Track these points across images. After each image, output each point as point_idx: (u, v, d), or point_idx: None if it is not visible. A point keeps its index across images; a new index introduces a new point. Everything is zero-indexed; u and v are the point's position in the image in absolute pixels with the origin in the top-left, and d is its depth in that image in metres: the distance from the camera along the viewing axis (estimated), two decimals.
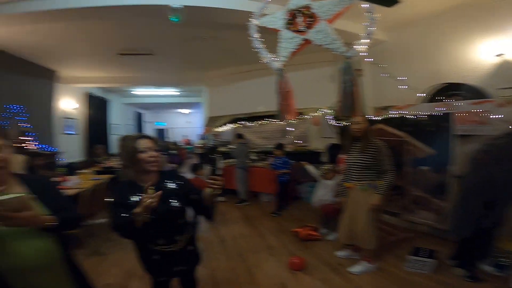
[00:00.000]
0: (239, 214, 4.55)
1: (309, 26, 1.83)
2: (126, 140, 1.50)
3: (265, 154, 5.68)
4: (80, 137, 7.06)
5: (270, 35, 2.14)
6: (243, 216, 4.46)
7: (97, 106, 7.85)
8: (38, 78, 5.25)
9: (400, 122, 3.28)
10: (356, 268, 2.56)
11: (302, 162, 3.64)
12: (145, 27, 3.78)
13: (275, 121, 6.12)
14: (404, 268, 2.54)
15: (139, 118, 13.27)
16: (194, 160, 10.63)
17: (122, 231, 1.37)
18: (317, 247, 3.14)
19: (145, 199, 1.24)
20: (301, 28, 1.86)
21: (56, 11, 2.71)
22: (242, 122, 6.99)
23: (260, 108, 5.94)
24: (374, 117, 3.51)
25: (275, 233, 3.66)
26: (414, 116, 3.14)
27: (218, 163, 5.36)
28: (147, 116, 15.11)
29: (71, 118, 6.59)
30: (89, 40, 4.10)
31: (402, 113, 3.27)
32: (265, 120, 6.18)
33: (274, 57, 2.15)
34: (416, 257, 2.51)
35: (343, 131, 4.29)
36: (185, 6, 2.85)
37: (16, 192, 1.04)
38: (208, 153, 5.84)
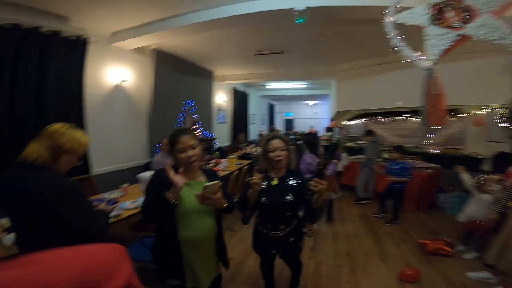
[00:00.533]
0: (358, 213, 4.36)
1: (466, 20, 1.57)
2: (262, 139, 1.90)
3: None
4: (227, 125, 8.62)
5: (408, 31, 1.93)
6: (362, 216, 4.26)
7: (240, 99, 9.30)
8: (202, 77, 6.76)
9: None
10: None
11: (458, 166, 2.99)
12: (275, 29, 4.17)
13: (416, 118, 5.32)
14: None
15: (271, 109, 14.67)
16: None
17: (240, 206, 1.75)
18: (445, 264, 2.78)
19: (252, 179, 1.54)
20: (455, 23, 1.62)
21: (208, 22, 3.41)
22: (374, 118, 6.49)
23: (398, 104, 5.30)
24: None
25: (395, 239, 3.38)
26: None
27: (344, 158, 5.25)
28: (277, 107, 16.47)
29: (222, 110, 8.14)
30: (233, 44, 4.92)
31: None
32: (403, 117, 5.48)
33: (421, 56, 1.92)
34: None
35: None
36: (309, 7, 2.98)
37: (212, 181, 1.38)
38: (333, 147, 5.77)
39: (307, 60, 6.24)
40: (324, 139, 10.04)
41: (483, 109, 4.17)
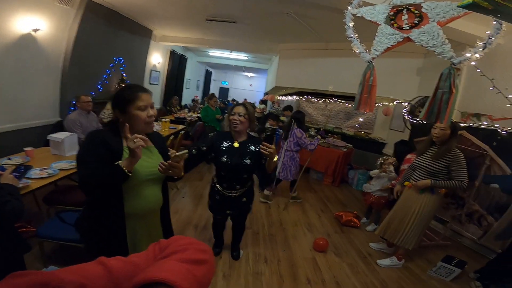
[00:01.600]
0: (287, 184, 4.47)
1: (414, 25, 1.72)
2: (226, 105, 1.98)
3: (325, 132, 5.71)
4: (160, 87, 7.90)
5: (362, 25, 2.07)
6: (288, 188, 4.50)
7: (176, 62, 8.56)
8: (139, 35, 5.97)
9: (488, 134, 2.96)
10: (385, 262, 2.68)
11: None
12: None
13: (340, 102, 5.96)
14: (428, 272, 2.62)
15: (207, 76, 14.02)
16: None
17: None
18: (354, 234, 3.27)
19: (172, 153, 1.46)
20: (405, 26, 1.77)
21: None
22: (306, 97, 6.96)
23: (330, 88, 5.78)
24: (460, 122, 3.18)
25: (316, 211, 3.83)
26: (506, 131, 2.78)
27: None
28: (214, 74, 15.84)
29: (156, 71, 7.36)
30: (182, 5, 4.43)
31: (493, 125, 2.90)
32: (332, 100, 6.05)
33: (367, 50, 2.10)
34: (445, 264, 2.53)
35: (416, 129, 4.00)
36: None
37: (160, 144, 1.40)
38: (264, 118, 5.97)
39: (256, 33, 6.08)
40: (258, 111, 10.34)
41: (393, 102, 4.92)
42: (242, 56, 10.09)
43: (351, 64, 4.92)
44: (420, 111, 3.61)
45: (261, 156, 1.81)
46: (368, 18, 1.98)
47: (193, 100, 9.74)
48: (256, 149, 1.91)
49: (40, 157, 2.51)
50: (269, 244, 2.85)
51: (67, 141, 2.66)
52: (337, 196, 4.56)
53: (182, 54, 8.96)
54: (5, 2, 3.05)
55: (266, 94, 10.57)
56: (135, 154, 1.12)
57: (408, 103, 4.34)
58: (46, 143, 2.78)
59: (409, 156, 3.31)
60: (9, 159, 2.37)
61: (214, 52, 9.84)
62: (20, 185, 1.68)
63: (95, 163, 1.14)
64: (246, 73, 15.89)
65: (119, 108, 1.23)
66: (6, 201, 1.04)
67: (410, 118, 4.03)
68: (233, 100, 14.29)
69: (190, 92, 10.92)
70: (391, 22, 1.83)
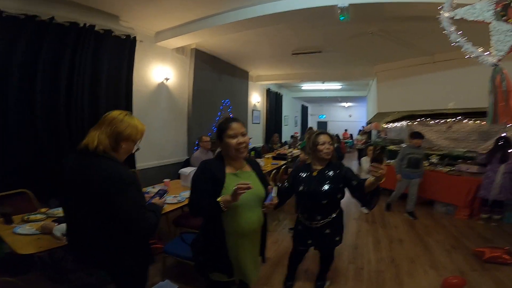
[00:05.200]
0: (402, 219, 4.07)
1: None
2: (310, 134, 1.99)
3: (453, 158, 4.70)
4: (261, 126, 8.62)
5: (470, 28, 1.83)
6: (406, 222, 3.97)
7: (273, 100, 9.26)
8: (238, 77, 6.84)
9: None
10: None
11: None
12: (314, 27, 4.04)
13: (469, 121, 4.86)
14: None
15: (304, 111, 14.44)
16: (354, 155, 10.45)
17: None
18: (503, 272, 2.56)
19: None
20: None
21: (248, 20, 3.40)
22: (419, 120, 6.05)
23: (451, 105, 4.85)
24: None
25: (446, 247, 3.12)
26: None
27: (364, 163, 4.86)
28: (310, 109, 16.17)
29: (257, 110, 8.16)
30: (270, 43, 4.87)
31: None
32: (454, 119, 5.03)
33: (486, 52, 1.82)
34: None
35: None
36: (352, 4, 2.89)
37: (257, 170, 1.50)
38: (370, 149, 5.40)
39: (345, 60, 6.02)
40: (359, 142, 9.65)
41: None
42: (335, 85, 9.99)
43: (471, 74, 4.19)
44: None
45: (347, 179, 1.78)
46: (472, 19, 1.82)
47: (292, 136, 10.11)
48: (336, 173, 1.85)
49: (174, 187, 3.08)
50: (374, 281, 2.45)
51: (192, 174, 3.19)
52: (477, 230, 3.62)
53: (277, 92, 9.63)
54: (144, 55, 4.05)
55: (368, 123, 9.86)
56: (235, 198, 1.24)
57: None
58: (178, 176, 3.41)
59: None
60: (153, 187, 3.03)
61: (306, 86, 10.17)
62: (165, 206, 2.09)
63: (201, 192, 1.34)
64: (343, 104, 15.48)
65: (218, 137, 1.43)
66: (146, 217, 1.21)
67: None
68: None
69: (289, 128, 11.42)
70: (504, 18, 1.68)
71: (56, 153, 2.99)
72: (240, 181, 1.26)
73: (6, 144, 2.65)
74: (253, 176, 1.48)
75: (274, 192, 1.39)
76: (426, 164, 4.61)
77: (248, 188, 1.22)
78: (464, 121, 5.34)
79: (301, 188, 1.89)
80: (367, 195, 1.66)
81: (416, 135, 4.04)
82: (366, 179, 1.64)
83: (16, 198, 2.43)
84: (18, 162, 2.73)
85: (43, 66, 2.84)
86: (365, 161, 3.80)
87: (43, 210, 2.23)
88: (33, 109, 2.81)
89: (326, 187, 1.82)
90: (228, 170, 1.39)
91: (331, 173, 1.86)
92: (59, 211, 2.17)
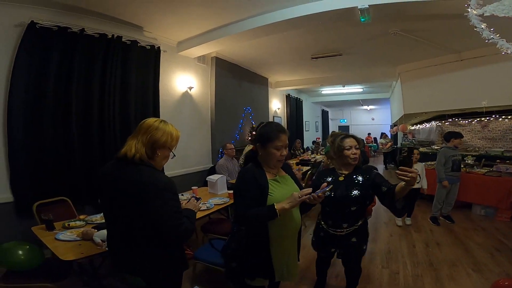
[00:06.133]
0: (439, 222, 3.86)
1: None
2: (335, 137, 1.86)
3: (489, 158, 4.41)
4: None
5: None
6: (442, 225, 3.77)
7: (293, 106, 9.22)
8: (258, 84, 6.89)
9: None
10: None
11: None
12: (333, 30, 4.02)
13: (509, 118, 4.56)
14: None
15: (324, 116, 14.25)
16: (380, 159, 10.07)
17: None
18: None
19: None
20: None
21: (267, 26, 3.43)
22: (450, 120, 5.76)
23: (484, 103, 4.58)
24: None
25: (489, 250, 2.93)
26: None
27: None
28: (331, 113, 15.92)
29: (277, 116, 8.16)
30: (289, 48, 4.86)
31: None
32: (488, 118, 4.74)
33: None
34: None
35: None
36: (373, 4, 2.83)
37: (290, 174, 1.52)
38: (398, 153, 5.23)
39: (366, 61, 5.92)
40: (385, 146, 9.29)
41: None
42: (356, 88, 9.79)
43: (503, 71, 4.09)
44: None
45: (377, 184, 1.64)
46: (503, 15, 1.73)
47: (314, 142, 9.99)
48: (366, 178, 1.72)
49: (201, 194, 3.11)
50: (412, 286, 2.33)
51: (219, 182, 3.24)
52: None
53: (297, 97, 9.59)
54: (167, 65, 4.18)
55: (394, 125, 9.53)
56: (294, 206, 1.27)
57: None
58: (205, 184, 3.48)
59: None
60: (182, 195, 3.09)
61: (326, 90, 10.02)
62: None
63: (249, 199, 1.32)
64: (365, 107, 15.08)
65: (261, 143, 1.41)
66: (181, 223, 1.21)
67: None
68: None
69: (310, 134, 11.28)
70: None
71: (89, 161, 3.13)
72: (284, 185, 1.37)
73: (43, 154, 2.77)
74: (289, 180, 1.53)
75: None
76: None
77: (309, 195, 1.26)
78: (499, 119, 5.03)
79: (327, 193, 1.72)
80: (398, 202, 1.52)
81: (456, 134, 3.77)
82: (396, 185, 1.51)
83: (56, 206, 2.56)
84: (53, 170, 2.83)
85: (77, 76, 2.99)
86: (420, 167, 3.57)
87: (82, 217, 2.31)
88: (67, 118, 2.94)
89: (355, 192, 1.69)
90: (268, 176, 1.41)
91: (360, 178, 1.74)
92: (97, 218, 2.27)
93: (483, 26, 1.79)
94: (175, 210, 1.21)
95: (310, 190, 1.28)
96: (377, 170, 1.83)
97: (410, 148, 1.41)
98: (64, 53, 2.90)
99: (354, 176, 1.76)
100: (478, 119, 5.18)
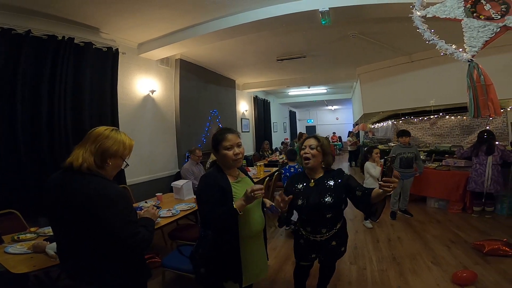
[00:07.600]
0: (397, 217, 4.11)
1: (504, 13, 1.64)
2: (302, 138, 1.91)
3: (438, 154, 4.83)
4: (250, 134, 8.63)
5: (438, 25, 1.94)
6: (401, 219, 4.02)
7: (261, 108, 9.32)
8: (225, 86, 6.83)
9: None
10: None
11: None
12: (296, 33, 4.14)
13: (455, 116, 5.05)
14: None
15: (292, 116, 14.59)
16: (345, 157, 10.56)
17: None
18: (507, 264, 2.56)
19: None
20: (494, 15, 1.69)
21: (231, 28, 3.43)
22: (404, 118, 6.22)
23: (432, 102, 5.03)
24: None
25: (445, 242, 3.15)
26: None
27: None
28: (298, 114, 16.35)
29: (245, 119, 8.18)
30: (254, 51, 4.93)
31: None
32: (437, 115, 5.21)
33: (460, 48, 1.87)
34: None
35: None
36: (332, 7, 2.97)
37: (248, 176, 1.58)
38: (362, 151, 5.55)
39: (329, 63, 6.18)
40: (350, 144, 9.76)
41: None
42: (321, 89, 10.18)
43: (448, 71, 4.40)
44: None
45: (351, 188, 1.61)
46: (443, 16, 1.87)
47: (282, 143, 10.17)
48: (338, 182, 1.67)
49: (166, 200, 3.03)
50: (379, 281, 2.45)
51: (185, 187, 3.13)
52: (472, 224, 3.67)
53: (264, 99, 9.72)
54: (127, 68, 3.99)
55: (356, 124, 10.07)
56: (250, 201, 1.31)
57: None
58: (171, 190, 3.35)
59: None
60: (146, 202, 2.96)
61: (293, 91, 10.29)
62: (159, 220, 2.03)
63: (212, 204, 1.34)
64: (330, 107, 15.74)
65: (214, 147, 1.47)
66: (137, 232, 1.17)
67: None
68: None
69: (279, 135, 11.47)
70: (474, 14, 1.73)
71: (39, 171, 2.90)
72: (245, 187, 1.35)
73: None
74: (249, 181, 1.60)
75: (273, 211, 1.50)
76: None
77: (262, 190, 1.29)
78: (446, 117, 5.55)
79: (299, 202, 1.69)
80: (374, 207, 1.51)
81: (402, 133, 4.01)
82: (372, 189, 1.50)
83: (4, 218, 2.37)
84: (0, 182, 2.63)
85: (22, 80, 2.78)
86: (371, 166, 3.61)
87: (33, 229, 2.19)
88: (13, 126, 2.72)
89: (328, 199, 1.62)
90: (230, 179, 1.44)
91: (331, 182, 1.67)
92: (50, 230, 2.11)
93: (424, 28, 1.90)
94: (127, 220, 1.16)
95: (261, 186, 1.30)
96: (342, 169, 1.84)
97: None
98: (8, 56, 2.70)
99: (325, 181, 1.69)
100: (428, 117, 5.66)
